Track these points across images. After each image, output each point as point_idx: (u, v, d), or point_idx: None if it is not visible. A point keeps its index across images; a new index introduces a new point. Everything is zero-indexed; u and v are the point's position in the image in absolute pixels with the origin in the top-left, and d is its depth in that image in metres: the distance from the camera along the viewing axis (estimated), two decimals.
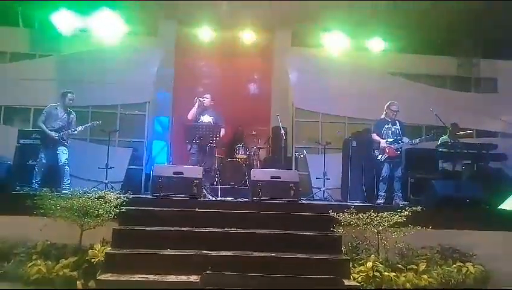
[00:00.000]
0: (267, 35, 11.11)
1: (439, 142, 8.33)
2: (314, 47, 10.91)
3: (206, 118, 7.75)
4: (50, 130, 7.23)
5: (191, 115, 7.80)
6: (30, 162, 7.58)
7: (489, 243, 5.99)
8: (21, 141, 7.99)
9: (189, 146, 7.63)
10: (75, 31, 9.99)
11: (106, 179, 7.83)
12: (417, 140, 7.62)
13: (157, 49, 10.42)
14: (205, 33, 10.80)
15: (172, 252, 5.01)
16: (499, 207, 7.03)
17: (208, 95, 7.93)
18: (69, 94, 7.41)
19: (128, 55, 10.05)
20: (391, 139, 7.49)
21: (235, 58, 11.12)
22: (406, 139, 7.55)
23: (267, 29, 10.97)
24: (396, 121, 7.64)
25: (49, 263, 5.00)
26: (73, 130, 7.39)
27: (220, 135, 7.51)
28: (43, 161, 7.22)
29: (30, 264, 5.01)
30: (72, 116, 7.48)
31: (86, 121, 8.19)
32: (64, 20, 9.86)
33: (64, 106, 7.43)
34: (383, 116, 7.71)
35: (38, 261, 5.02)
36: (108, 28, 10.04)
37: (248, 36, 10.90)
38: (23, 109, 9.83)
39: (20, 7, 10.04)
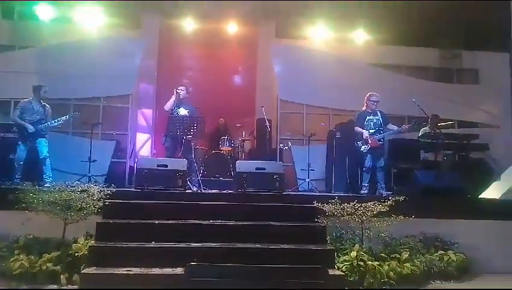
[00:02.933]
0: (251, 27, 11.06)
1: (420, 133, 8.39)
2: (298, 39, 10.92)
3: (182, 111, 7.62)
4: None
5: (168, 106, 7.64)
6: (11, 156, 7.39)
7: (471, 232, 6.13)
8: (1, 134, 7.84)
9: (163, 139, 7.56)
10: (55, 23, 9.82)
11: (89, 172, 7.79)
12: (406, 126, 7.65)
13: (140, 41, 10.31)
14: (189, 25, 10.71)
15: (157, 244, 4.99)
16: (480, 196, 7.17)
17: (183, 87, 7.78)
18: (43, 87, 7.35)
19: (110, 47, 9.91)
20: (373, 130, 7.50)
21: (219, 50, 11.05)
22: (393, 127, 7.58)
23: (251, 21, 10.91)
24: (378, 112, 7.61)
25: (32, 257, 4.94)
26: (52, 122, 7.31)
27: (197, 128, 7.25)
28: (23, 154, 7.10)
29: (12, 259, 4.93)
30: (47, 108, 7.41)
31: (68, 113, 8.06)
32: (44, 12, 9.69)
33: (39, 99, 7.33)
34: (364, 108, 7.69)
35: (21, 256, 4.95)
36: (90, 20, 9.90)
37: (232, 28, 10.84)
38: (3, 101, 9.63)
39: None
